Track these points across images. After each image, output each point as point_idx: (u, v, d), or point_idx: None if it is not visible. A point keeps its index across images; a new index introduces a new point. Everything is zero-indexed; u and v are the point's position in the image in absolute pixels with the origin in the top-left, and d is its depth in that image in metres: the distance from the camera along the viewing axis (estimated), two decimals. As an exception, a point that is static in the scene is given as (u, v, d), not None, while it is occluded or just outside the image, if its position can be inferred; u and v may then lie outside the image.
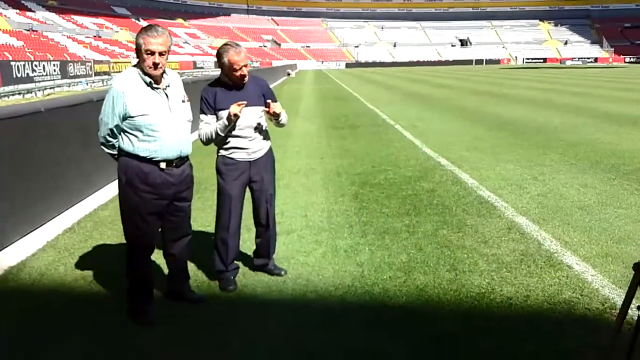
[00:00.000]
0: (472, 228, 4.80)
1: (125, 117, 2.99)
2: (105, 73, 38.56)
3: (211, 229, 4.07)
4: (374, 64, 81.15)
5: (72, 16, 57.78)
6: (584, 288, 3.56)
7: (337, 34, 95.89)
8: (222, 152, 3.61)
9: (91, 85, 31.99)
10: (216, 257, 3.67)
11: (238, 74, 3.47)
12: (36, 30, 45.69)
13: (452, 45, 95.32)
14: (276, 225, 3.93)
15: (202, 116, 3.55)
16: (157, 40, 2.95)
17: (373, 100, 19.15)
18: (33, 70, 29.52)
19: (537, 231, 4.70)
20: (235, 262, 3.77)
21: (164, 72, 3.07)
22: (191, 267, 3.77)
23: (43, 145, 5.12)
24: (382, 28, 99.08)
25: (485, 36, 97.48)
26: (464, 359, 2.79)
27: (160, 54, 2.97)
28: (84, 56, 41.30)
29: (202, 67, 56.03)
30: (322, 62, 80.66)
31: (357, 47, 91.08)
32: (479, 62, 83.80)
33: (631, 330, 2.22)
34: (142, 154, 3.03)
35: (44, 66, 30.85)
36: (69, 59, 35.90)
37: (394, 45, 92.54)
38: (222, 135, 3.50)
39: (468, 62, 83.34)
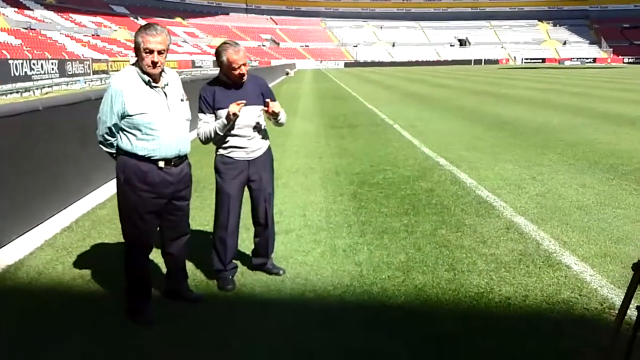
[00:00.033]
0: (470, 228, 4.80)
1: (123, 116, 2.98)
2: (103, 72, 38.51)
3: (209, 228, 4.06)
4: (373, 64, 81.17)
5: (71, 15, 57.68)
6: (583, 288, 3.55)
7: (336, 33, 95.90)
8: (221, 151, 3.60)
9: (89, 84, 31.91)
10: (214, 256, 3.67)
11: (237, 72, 3.46)
12: (34, 29, 45.59)
13: (451, 45, 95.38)
14: (275, 224, 3.92)
15: (201, 115, 3.54)
16: (156, 38, 2.94)
17: (372, 100, 19.15)
18: (31, 69, 29.48)
19: (536, 231, 4.70)
20: (234, 261, 3.76)
21: (162, 70, 3.06)
22: (189, 266, 3.76)
23: (41, 144, 5.10)
24: (381, 28, 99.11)
25: (484, 36, 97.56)
26: (464, 359, 2.79)
27: (159, 52, 2.96)
28: (82, 55, 41.25)
29: (200, 66, 56.00)
30: (321, 61, 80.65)
31: (356, 46, 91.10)
32: (477, 62, 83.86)
33: (630, 330, 2.22)
34: (140, 153, 3.02)
35: (42, 65, 30.80)
36: (67, 58, 35.85)
37: (393, 45, 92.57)
38: (221, 134, 3.49)
39: (467, 62, 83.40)
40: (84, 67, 36.12)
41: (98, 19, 62.13)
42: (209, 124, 3.51)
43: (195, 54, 63.04)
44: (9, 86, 25.70)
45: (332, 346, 2.90)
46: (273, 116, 3.61)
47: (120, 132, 3.04)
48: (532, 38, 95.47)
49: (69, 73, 33.43)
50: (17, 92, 25.01)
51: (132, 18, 69.90)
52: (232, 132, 3.51)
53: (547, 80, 32.31)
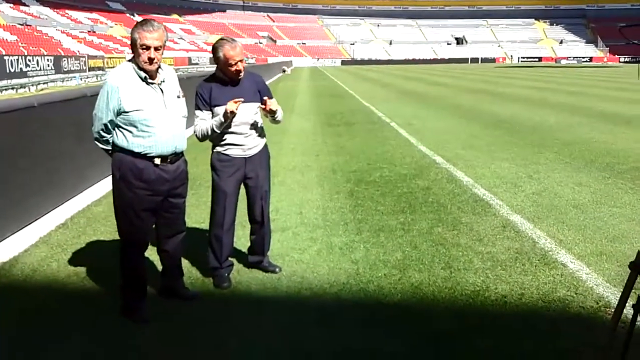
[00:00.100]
0: (467, 226, 4.80)
1: (119, 112, 2.96)
2: (99, 68, 38.31)
3: (205, 225, 4.05)
4: (370, 62, 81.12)
5: (67, 11, 57.44)
6: (579, 286, 3.56)
7: (333, 31, 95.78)
8: (217, 149, 3.58)
9: (85, 81, 31.78)
10: (210, 254, 3.65)
11: (233, 69, 3.44)
12: (30, 25, 45.39)
13: (448, 44, 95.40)
14: (271, 222, 3.92)
15: (198, 112, 3.52)
16: (153, 35, 2.92)
17: (369, 98, 19.14)
18: (27, 65, 29.29)
19: (532, 229, 4.70)
20: (230, 259, 3.75)
21: (159, 67, 3.04)
22: (185, 263, 3.74)
23: (36, 141, 5.08)
24: (378, 26, 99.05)
25: (481, 35, 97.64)
26: (462, 358, 2.78)
27: (156, 48, 2.94)
28: (78, 51, 41.07)
29: (197, 63, 55.79)
30: (318, 59, 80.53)
31: (353, 44, 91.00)
32: (474, 60, 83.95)
33: (626, 329, 2.22)
34: (136, 150, 3.00)
35: (37, 61, 30.62)
36: (63, 54, 35.69)
37: (390, 43, 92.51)
38: (218, 132, 3.47)
39: (464, 60, 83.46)
40: (79, 63, 35.92)
41: (94, 15, 61.88)
42: (205, 121, 3.49)
43: (192, 50, 62.87)
44: (4, 82, 25.55)
45: (330, 345, 2.89)
46: (270, 114, 3.60)
47: (116, 128, 3.02)
48: (529, 37, 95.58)
49: (65, 69, 33.24)
50: (13, 89, 24.88)
51: (128, 14, 69.61)
52: (229, 129, 3.50)
53: (544, 79, 32.37)
